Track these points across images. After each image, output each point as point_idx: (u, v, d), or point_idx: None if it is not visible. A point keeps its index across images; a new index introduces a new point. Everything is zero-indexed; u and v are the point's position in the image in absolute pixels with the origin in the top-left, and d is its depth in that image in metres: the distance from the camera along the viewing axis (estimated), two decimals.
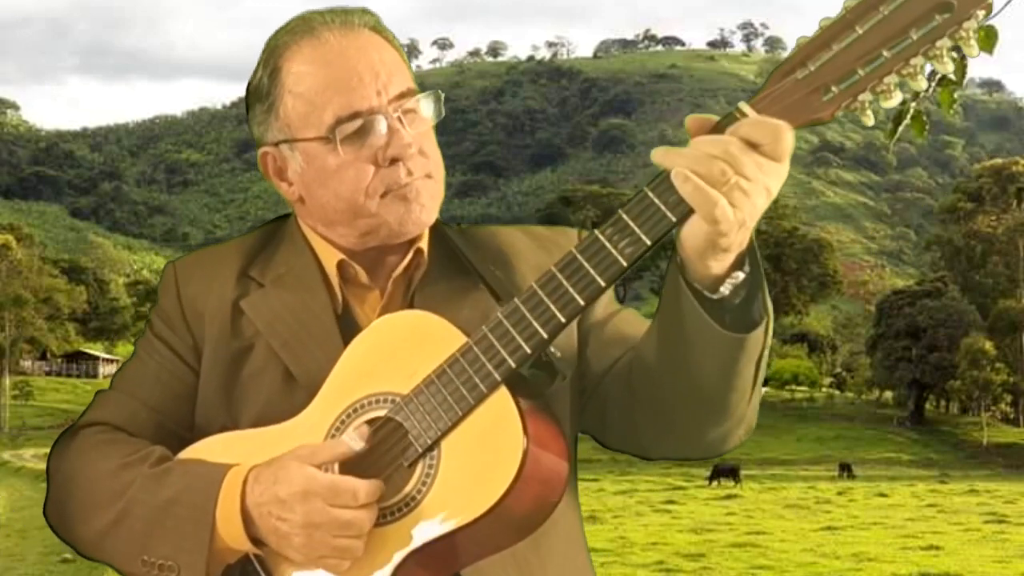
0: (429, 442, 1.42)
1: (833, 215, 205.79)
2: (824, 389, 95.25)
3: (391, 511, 1.43)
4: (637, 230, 1.35)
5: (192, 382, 1.59)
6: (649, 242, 1.35)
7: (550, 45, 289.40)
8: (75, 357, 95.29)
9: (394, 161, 1.51)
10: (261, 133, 1.59)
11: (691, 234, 1.34)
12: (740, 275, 1.38)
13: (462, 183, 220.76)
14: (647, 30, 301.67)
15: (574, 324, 1.50)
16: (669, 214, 1.34)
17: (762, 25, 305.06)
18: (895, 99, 1.33)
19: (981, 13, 1.29)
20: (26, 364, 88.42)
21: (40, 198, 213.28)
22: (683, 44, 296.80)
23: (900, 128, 4.09)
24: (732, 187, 1.30)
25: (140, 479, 1.49)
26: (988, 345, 74.38)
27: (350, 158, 1.51)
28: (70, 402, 74.87)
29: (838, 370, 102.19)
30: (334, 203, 1.54)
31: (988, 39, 3.21)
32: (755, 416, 1.51)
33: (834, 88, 1.32)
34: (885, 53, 1.30)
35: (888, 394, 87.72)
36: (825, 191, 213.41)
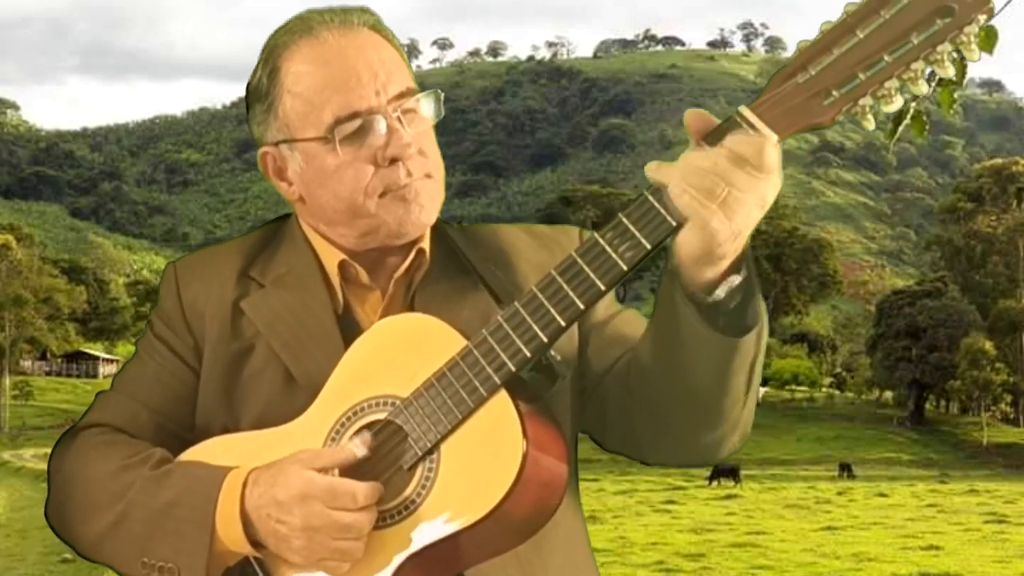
0: (429, 445, 1.42)
1: (833, 215, 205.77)
2: (824, 389, 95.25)
3: (390, 514, 1.43)
4: (637, 234, 1.35)
5: (193, 383, 1.58)
6: (649, 246, 1.36)
7: (550, 45, 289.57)
8: (75, 357, 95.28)
9: (393, 161, 1.51)
10: (261, 133, 1.58)
11: (687, 242, 1.35)
12: (736, 279, 1.39)
13: (462, 183, 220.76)
14: (647, 30, 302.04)
15: (575, 324, 1.49)
16: (669, 218, 1.35)
17: (762, 25, 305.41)
18: (896, 103, 1.32)
19: (982, 17, 1.29)
20: (26, 364, 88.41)
21: (40, 198, 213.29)
22: (683, 44, 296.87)
23: (900, 128, 4.09)
24: (726, 199, 1.31)
25: (140, 481, 1.49)
26: (988, 345, 74.39)
27: (349, 158, 1.51)
28: (70, 402, 74.86)
29: (838, 370, 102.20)
30: (333, 203, 1.54)
31: (988, 39, 3.21)
32: (750, 423, 1.52)
33: (835, 92, 1.32)
34: (886, 57, 1.30)
35: (888, 394, 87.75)
36: (825, 191, 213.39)
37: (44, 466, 1.62)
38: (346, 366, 1.49)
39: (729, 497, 34.79)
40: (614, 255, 1.36)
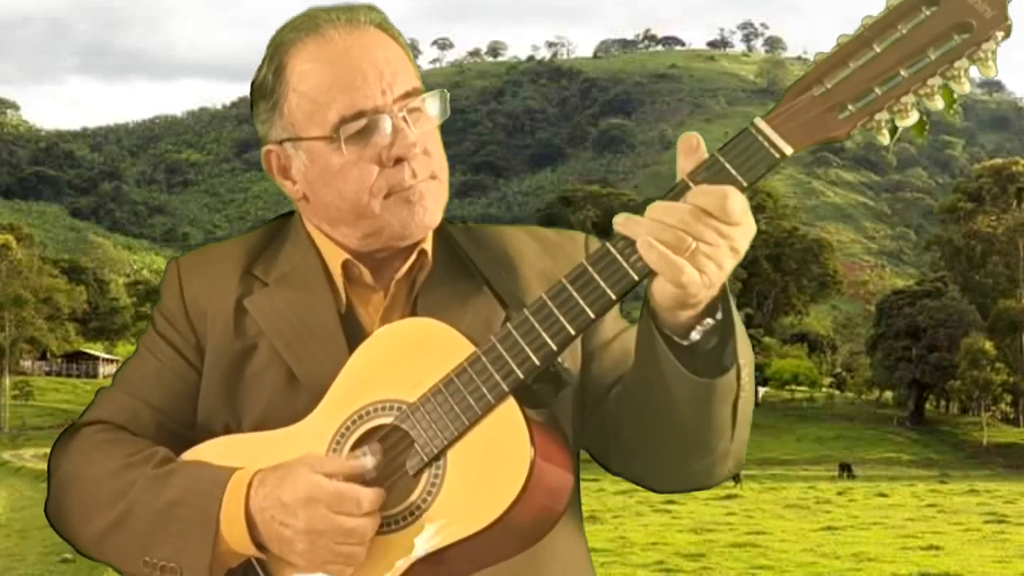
0: (435, 451, 1.41)
1: (833, 215, 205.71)
2: (824, 389, 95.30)
3: (395, 519, 1.42)
4: None
5: (194, 381, 1.57)
6: None
7: (550, 45, 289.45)
8: (75, 357, 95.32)
9: (398, 161, 1.50)
10: (265, 131, 1.57)
11: (660, 291, 1.35)
12: (710, 322, 1.38)
13: (462, 183, 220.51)
14: (647, 30, 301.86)
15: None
16: None
17: (762, 25, 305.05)
18: (912, 118, 1.31)
19: (1000, 34, 1.28)
20: (26, 364, 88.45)
21: (40, 198, 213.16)
22: (683, 44, 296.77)
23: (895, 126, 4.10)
24: (695, 253, 1.31)
25: (143, 480, 1.48)
26: (988, 345, 74.41)
27: (354, 157, 1.50)
28: (70, 402, 74.87)
29: (838, 370, 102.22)
30: (338, 202, 1.53)
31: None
32: (743, 450, 1.52)
33: (851, 106, 1.31)
34: (903, 72, 1.30)
35: (888, 394, 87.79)
36: (825, 191, 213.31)
37: (44, 466, 1.61)
38: (351, 369, 1.48)
39: (729, 497, 34.76)
40: (625, 264, 1.36)
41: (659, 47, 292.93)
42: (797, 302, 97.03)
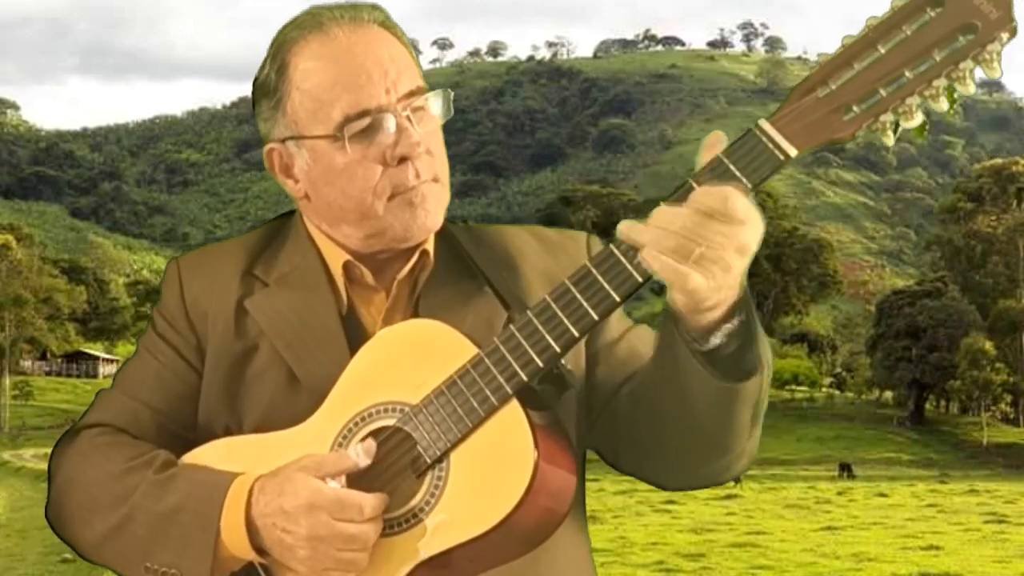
0: (438, 454, 1.41)
1: (833, 215, 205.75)
2: (824, 389, 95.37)
3: (398, 522, 1.42)
4: None
5: (195, 382, 1.56)
6: None
7: (550, 45, 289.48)
8: (75, 357, 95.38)
9: (402, 160, 1.49)
10: (268, 129, 1.56)
11: (672, 299, 1.35)
12: (730, 326, 1.37)
13: (462, 183, 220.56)
14: (647, 30, 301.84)
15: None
16: None
17: (762, 25, 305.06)
18: (917, 119, 1.31)
19: (1005, 35, 1.27)
20: (26, 364, 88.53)
21: (40, 198, 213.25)
22: (683, 44, 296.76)
23: (900, 128, 4.10)
24: (700, 258, 1.30)
25: (144, 485, 1.47)
26: (988, 345, 74.42)
27: (358, 157, 1.49)
28: (70, 402, 74.91)
29: (838, 370, 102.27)
30: (341, 202, 1.52)
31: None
32: (756, 447, 1.51)
33: (855, 108, 1.31)
34: (907, 74, 1.29)
35: (888, 394, 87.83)
36: (825, 191, 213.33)
37: (44, 466, 1.60)
38: (353, 371, 1.47)
39: (729, 497, 34.76)
40: (629, 266, 1.35)
41: (659, 47, 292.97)
42: (797, 302, 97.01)
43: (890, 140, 1.33)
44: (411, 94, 1.51)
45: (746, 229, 1.31)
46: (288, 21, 1.56)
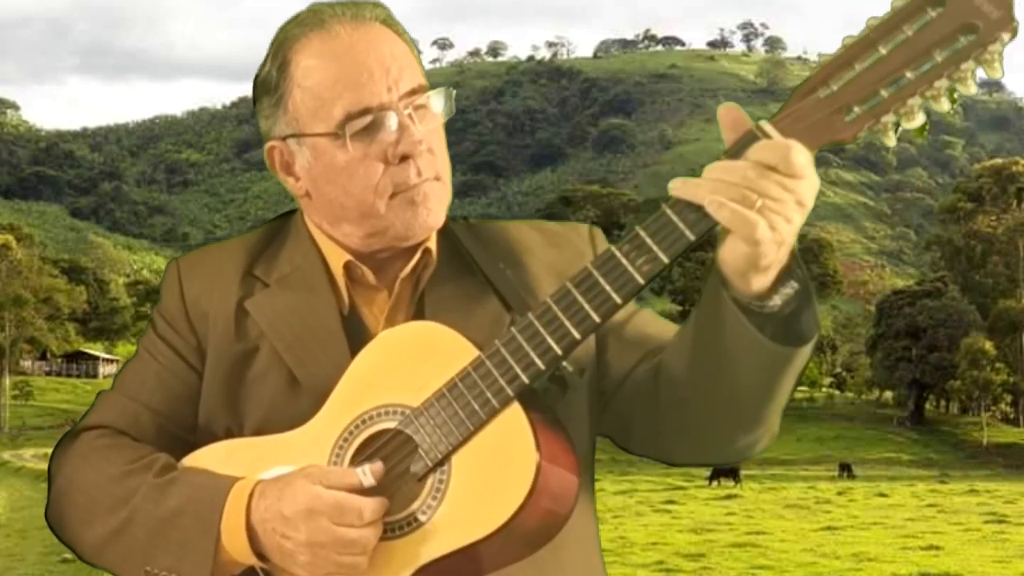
0: (440, 456, 1.40)
1: (833, 215, 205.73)
2: (824, 389, 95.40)
3: (399, 525, 1.41)
4: (655, 247, 1.34)
5: (195, 383, 1.56)
6: (667, 260, 1.34)
7: (550, 45, 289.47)
8: (75, 357, 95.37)
9: (404, 159, 1.48)
10: (268, 127, 1.55)
11: (731, 256, 1.33)
12: (790, 289, 1.36)
13: (462, 183, 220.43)
14: (647, 30, 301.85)
15: None
16: (687, 232, 1.33)
17: (762, 25, 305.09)
18: (918, 120, 1.31)
19: (1006, 35, 1.27)
20: (26, 364, 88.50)
21: (40, 198, 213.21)
22: (683, 44, 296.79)
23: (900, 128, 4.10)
24: (762, 209, 1.29)
25: (144, 488, 1.47)
26: (988, 345, 74.38)
27: (359, 155, 1.48)
28: (70, 402, 74.93)
29: (838, 370, 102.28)
30: (343, 200, 1.51)
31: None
32: (778, 423, 1.50)
33: (856, 109, 1.30)
34: (909, 74, 1.29)
35: (888, 394, 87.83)
36: (825, 191, 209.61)
37: (44, 466, 1.59)
38: (354, 373, 1.46)
39: (729, 497, 34.77)
40: (631, 268, 1.35)
41: (659, 47, 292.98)
42: None
43: (891, 141, 1.32)
44: (413, 92, 1.50)
45: (805, 183, 1.31)
46: (289, 18, 1.55)
